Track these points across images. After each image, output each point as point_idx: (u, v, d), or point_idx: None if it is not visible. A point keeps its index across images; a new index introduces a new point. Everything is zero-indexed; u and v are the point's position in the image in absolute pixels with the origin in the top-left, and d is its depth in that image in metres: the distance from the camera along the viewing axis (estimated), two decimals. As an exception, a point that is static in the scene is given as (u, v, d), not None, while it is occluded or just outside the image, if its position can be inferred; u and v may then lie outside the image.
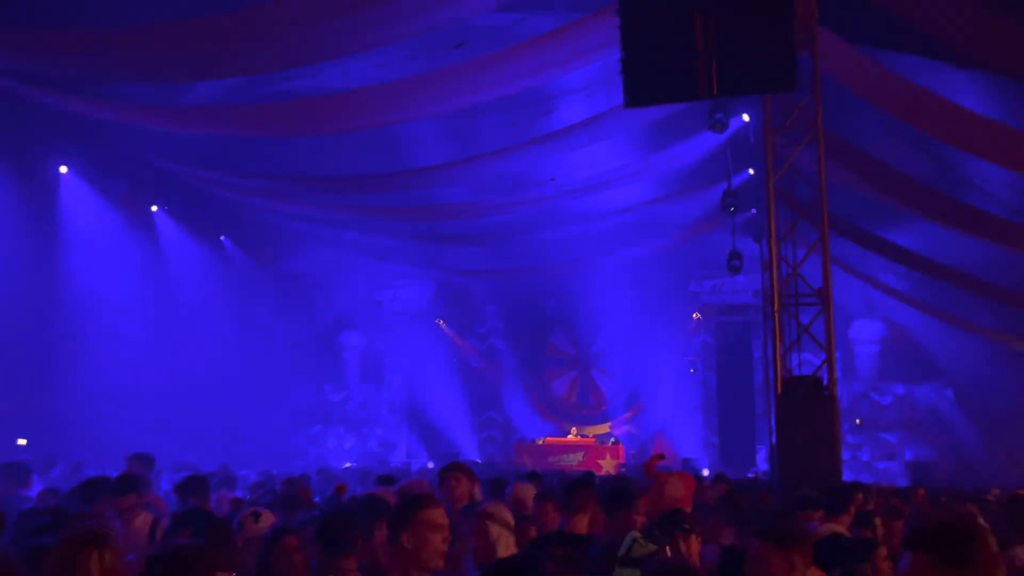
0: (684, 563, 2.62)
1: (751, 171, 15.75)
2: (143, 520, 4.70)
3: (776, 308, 9.43)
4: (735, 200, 15.51)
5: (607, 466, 19.37)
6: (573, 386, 23.74)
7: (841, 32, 10.33)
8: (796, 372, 9.50)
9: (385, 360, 24.57)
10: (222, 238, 19.66)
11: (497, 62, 11.02)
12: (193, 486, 5.28)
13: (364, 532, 3.62)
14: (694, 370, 22.16)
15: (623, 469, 18.50)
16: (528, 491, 5.37)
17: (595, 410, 23.36)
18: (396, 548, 3.09)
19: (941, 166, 14.88)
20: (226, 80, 13.17)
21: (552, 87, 13.87)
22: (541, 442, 20.79)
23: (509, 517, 3.95)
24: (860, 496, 6.33)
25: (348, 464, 20.33)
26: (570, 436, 21.04)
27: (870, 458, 20.78)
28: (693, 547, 3.67)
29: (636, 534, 3.69)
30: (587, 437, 21.19)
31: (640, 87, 7.68)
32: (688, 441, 21.97)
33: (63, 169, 14.87)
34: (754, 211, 16.69)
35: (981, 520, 5.61)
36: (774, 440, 9.97)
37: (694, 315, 22.58)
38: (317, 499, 6.67)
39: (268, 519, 4.27)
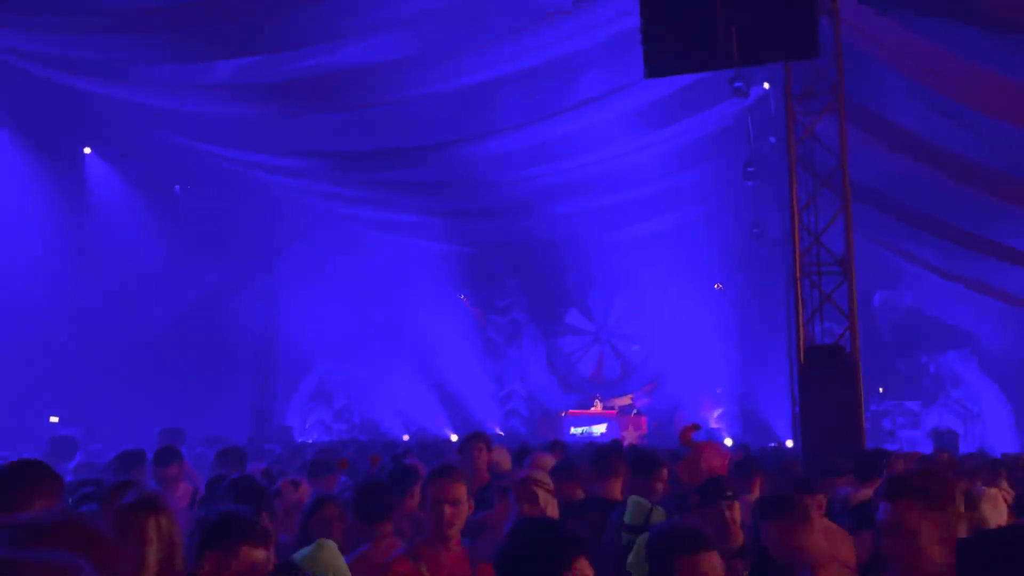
0: (694, 523, 2.68)
1: (772, 139, 15.64)
2: (184, 490, 4.84)
3: (797, 276, 9.42)
4: (756, 169, 15.44)
5: (629, 437, 19.47)
6: (595, 358, 23.81)
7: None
8: (819, 341, 9.49)
9: (406, 335, 24.71)
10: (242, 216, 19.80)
11: (516, 35, 11.00)
12: (232, 456, 5.43)
13: (398, 501, 3.72)
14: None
15: (645, 440, 18.60)
16: (548, 461, 5.44)
17: (617, 382, 23.44)
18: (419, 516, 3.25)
19: (967, 131, 14.70)
20: (243, 59, 13.22)
21: (571, 58, 13.79)
22: (564, 414, 20.93)
23: (551, 483, 4.05)
24: (901, 461, 6.38)
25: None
26: (594, 407, 21.16)
27: (893, 427, 20.73)
28: (736, 514, 3.72)
29: (640, 500, 3.76)
30: (610, 408, 21.30)
31: (660, 57, 7.65)
32: (710, 411, 22.01)
33: (87, 150, 15.00)
34: (776, 179, 16.59)
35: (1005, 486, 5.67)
36: (797, 409, 10.00)
37: (716, 285, 22.51)
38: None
39: (306, 488, 4.40)
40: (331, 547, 3.01)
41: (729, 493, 3.72)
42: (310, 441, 18.22)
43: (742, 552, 3.57)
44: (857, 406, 8.73)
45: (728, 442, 19.31)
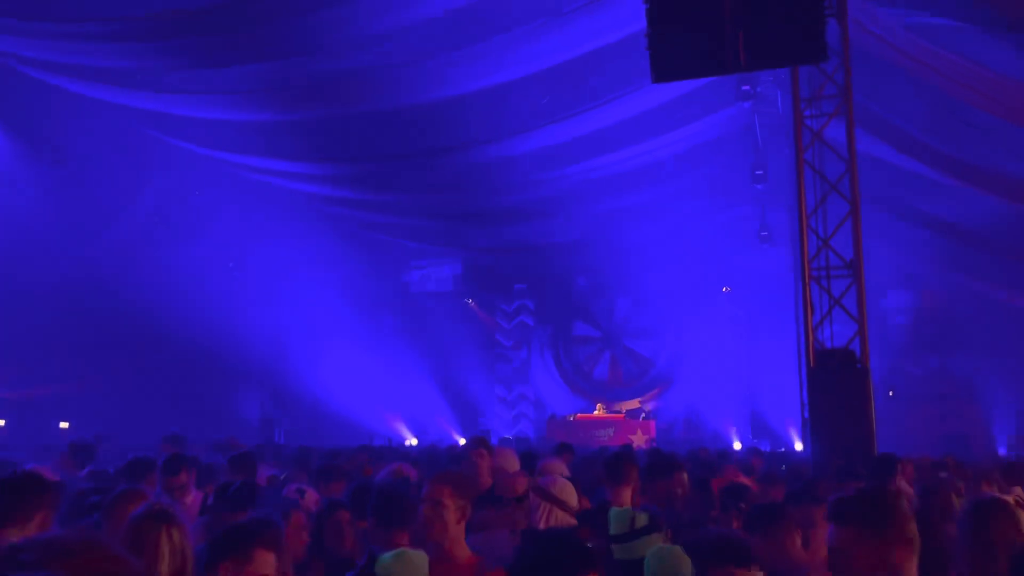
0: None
1: (781, 142, 15.60)
2: (193, 498, 4.84)
3: (806, 280, 9.39)
4: (764, 172, 15.41)
5: (638, 441, 19.41)
6: (603, 362, 23.78)
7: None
8: (828, 345, 9.45)
9: (415, 340, 24.73)
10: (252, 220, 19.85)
11: (527, 39, 11.00)
12: (244, 462, 5.42)
13: (415, 509, 3.72)
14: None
15: (654, 444, 18.55)
16: (558, 467, 5.40)
17: (625, 385, 23.41)
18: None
19: (975, 132, 14.64)
20: (256, 64, 13.24)
21: (580, 63, 13.79)
22: (572, 418, 20.90)
23: (555, 490, 4.04)
24: (910, 466, 6.34)
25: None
26: (596, 412, 21.13)
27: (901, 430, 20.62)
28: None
29: (619, 509, 3.74)
30: (617, 412, 21.25)
31: (667, 62, 7.64)
32: (719, 415, 21.96)
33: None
34: (784, 183, 16.55)
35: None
36: (807, 413, 9.96)
37: (724, 288, 22.47)
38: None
39: (312, 495, 4.40)
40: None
41: (742, 504, 3.71)
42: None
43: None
44: (868, 410, 8.68)
45: (737, 446, 19.27)
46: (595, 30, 11.16)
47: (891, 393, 20.89)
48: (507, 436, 20.73)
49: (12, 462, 7.40)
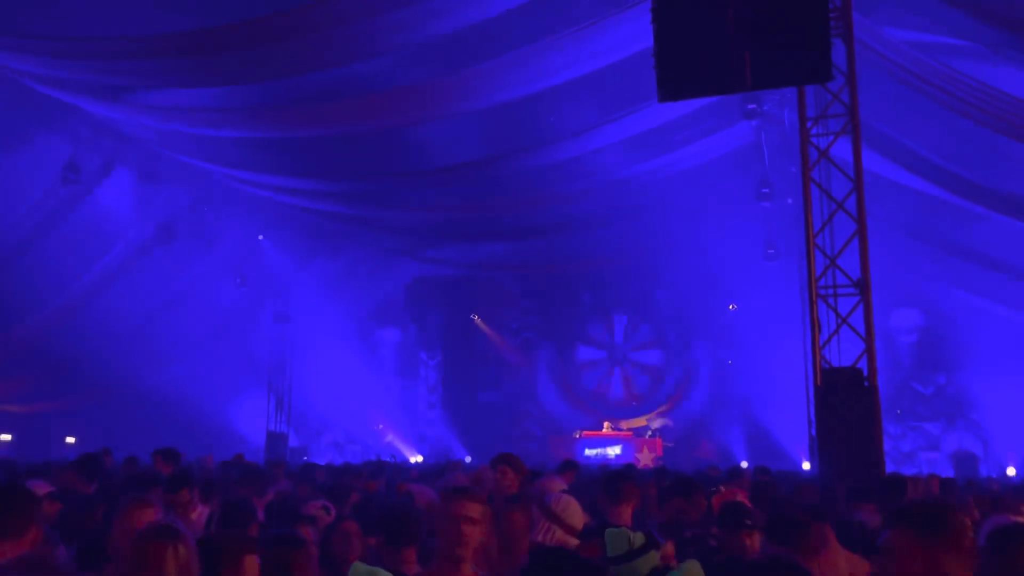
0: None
1: (787, 160, 15.63)
2: (199, 514, 4.83)
3: (813, 299, 9.37)
4: (771, 190, 15.43)
5: (644, 459, 19.37)
6: (609, 379, 23.74)
7: (874, 18, 10.23)
8: (836, 363, 9.42)
9: (421, 355, 24.76)
10: (260, 236, 19.93)
11: (532, 57, 11.06)
12: (252, 478, 5.43)
13: (424, 528, 3.71)
14: (730, 361, 21.97)
15: (660, 462, 18.48)
16: (557, 484, 5.36)
17: (631, 403, 23.35)
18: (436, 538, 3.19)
19: (981, 150, 14.66)
20: (268, 82, 13.35)
21: (585, 82, 13.86)
22: (578, 435, 20.84)
23: (555, 508, 4.00)
24: (920, 485, 6.31)
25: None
26: (603, 430, 21.07)
27: (912, 449, 20.52)
28: (756, 543, 3.69)
29: (613, 531, 3.72)
30: (622, 430, 21.19)
31: (674, 82, 7.68)
32: (727, 433, 21.89)
33: (106, 173, 15.12)
34: (790, 200, 16.57)
35: None
36: (814, 432, 9.91)
37: (730, 306, 22.44)
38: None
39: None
40: None
41: (748, 522, 3.69)
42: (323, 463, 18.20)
43: None
44: (876, 430, 8.64)
45: (743, 464, 19.17)
46: (602, 49, 11.22)
47: (899, 412, 20.80)
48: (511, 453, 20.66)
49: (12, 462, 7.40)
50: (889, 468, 11.92)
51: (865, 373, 8.89)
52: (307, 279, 21.22)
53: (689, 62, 7.60)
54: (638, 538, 3.60)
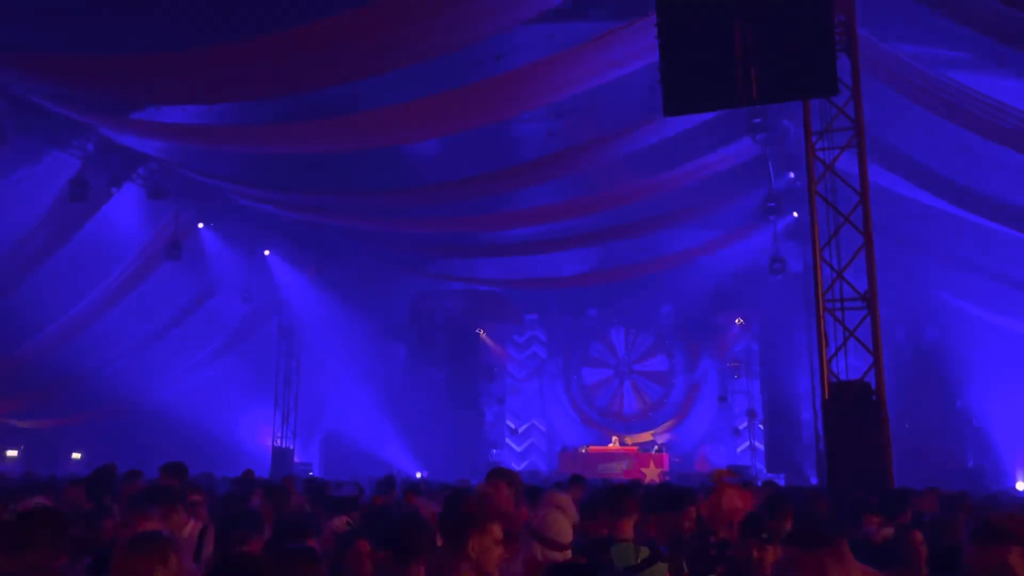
0: None
1: (792, 175, 15.64)
2: (191, 528, 4.83)
3: (820, 312, 9.35)
4: (777, 204, 15.43)
5: (651, 474, 19.28)
6: (615, 394, 23.67)
7: (879, 32, 10.26)
8: (843, 377, 9.39)
9: (427, 370, 24.73)
10: (266, 252, 19.98)
11: (534, 74, 11.10)
12: (273, 494, 5.45)
13: (434, 540, 3.69)
14: (737, 376, 21.91)
15: (667, 477, 18.40)
16: (562, 499, 5.31)
17: (637, 418, 23.28)
18: (458, 554, 3.16)
19: (985, 164, 14.66)
20: (270, 99, 13.43)
21: (589, 96, 13.90)
22: (584, 450, 20.77)
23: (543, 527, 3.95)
24: (926, 500, 6.28)
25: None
26: (611, 444, 20.99)
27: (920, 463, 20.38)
28: (769, 556, 3.67)
29: (620, 546, 3.69)
30: (630, 445, 21.11)
31: (679, 95, 7.70)
32: (732, 448, 21.81)
33: (113, 190, 15.17)
34: (796, 214, 16.56)
35: None
36: (822, 446, 9.87)
37: (737, 320, 22.41)
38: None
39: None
40: None
41: (764, 535, 3.67)
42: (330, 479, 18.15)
43: None
44: (884, 443, 8.60)
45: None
46: (604, 64, 11.25)
47: (907, 426, 20.69)
48: (518, 468, 20.59)
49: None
50: (897, 482, 11.84)
51: (873, 387, 8.86)
52: (313, 294, 21.25)
53: (695, 76, 7.62)
54: (643, 551, 3.59)
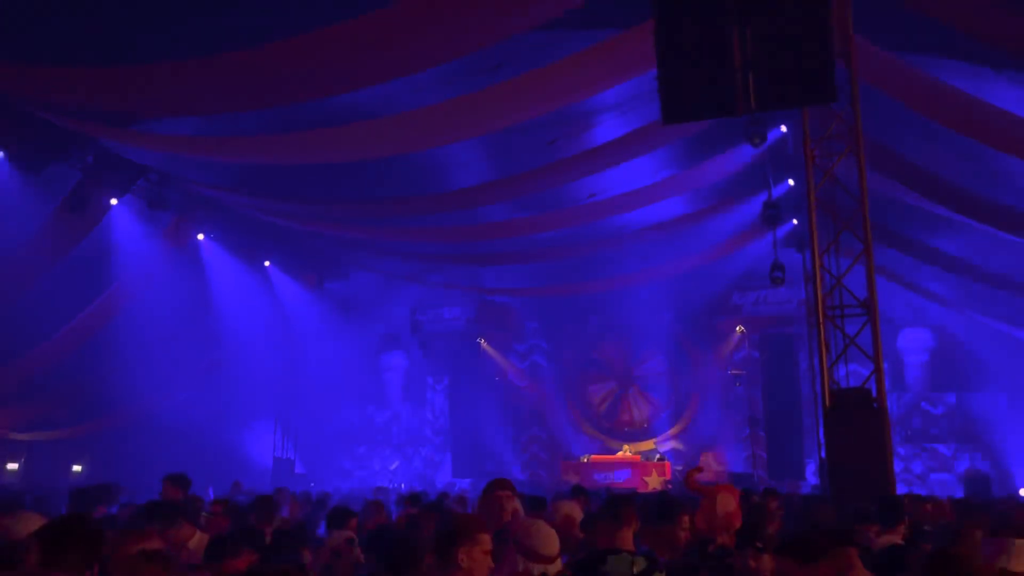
0: None
1: (791, 181, 15.65)
2: (199, 540, 4.81)
3: (821, 320, 9.34)
4: (776, 211, 15.43)
5: (653, 483, 19.22)
6: (617, 402, 23.61)
7: (877, 39, 10.27)
8: (844, 384, 9.38)
9: (428, 380, 24.72)
10: (266, 263, 19.99)
11: (534, 82, 11.11)
12: (259, 506, 5.43)
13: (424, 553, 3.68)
14: (738, 383, 21.89)
15: (669, 486, 18.35)
16: (570, 507, 5.27)
17: (640, 426, 23.22)
18: (449, 566, 3.16)
19: (984, 170, 14.66)
20: (267, 109, 13.45)
21: (589, 105, 13.93)
22: (586, 459, 20.71)
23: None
24: (928, 507, 6.29)
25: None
26: (621, 453, 20.92)
27: (923, 470, 20.36)
28: (765, 565, 3.65)
29: (617, 556, 3.65)
30: (632, 454, 21.05)
31: (677, 104, 7.69)
32: (735, 456, 21.76)
33: (113, 201, 15.20)
34: (795, 222, 16.56)
35: None
36: (824, 454, 9.85)
37: (738, 328, 22.38)
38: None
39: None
40: None
41: (759, 544, 3.66)
42: (330, 490, 18.14)
43: None
44: (885, 450, 8.59)
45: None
46: (603, 72, 11.26)
47: (908, 434, 20.66)
48: (520, 478, 20.54)
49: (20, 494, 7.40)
50: (901, 490, 11.83)
51: (874, 394, 8.86)
52: (313, 304, 21.25)
53: (692, 84, 7.61)
54: (640, 562, 3.57)
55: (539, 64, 11.11)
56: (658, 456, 20.67)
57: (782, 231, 16.75)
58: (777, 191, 15.75)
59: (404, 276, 21.70)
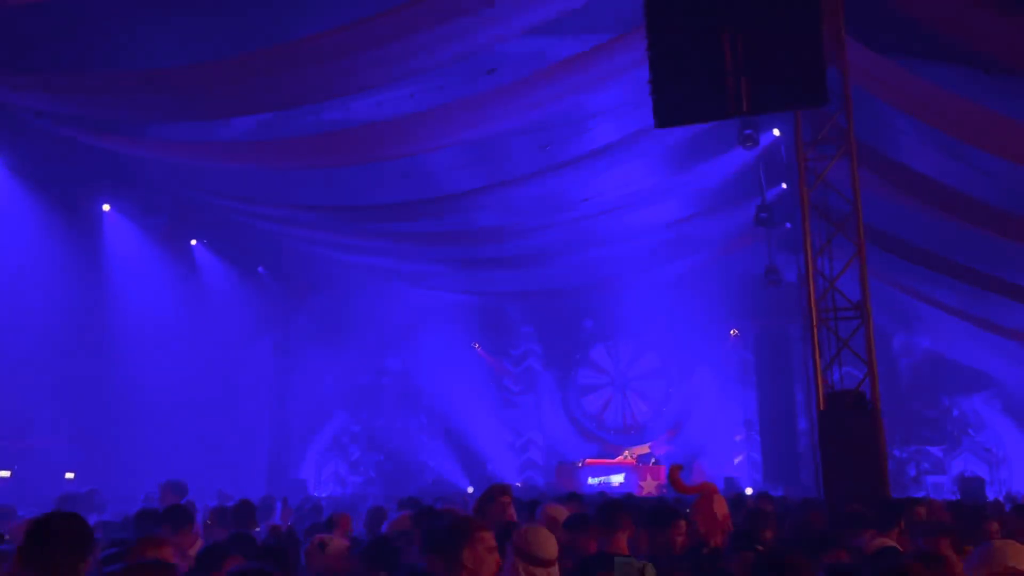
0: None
1: (784, 185, 15.68)
2: (197, 548, 4.80)
3: (814, 323, 9.35)
4: (769, 215, 15.45)
5: (648, 487, 19.23)
6: (612, 406, 23.62)
7: (869, 43, 10.30)
8: (838, 387, 9.38)
9: (422, 385, 24.65)
10: (260, 269, 19.95)
11: (527, 87, 11.12)
12: (243, 513, 5.40)
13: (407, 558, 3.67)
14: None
15: (664, 490, 18.34)
16: (559, 512, 5.29)
17: (635, 430, 23.22)
18: (454, 566, 3.14)
19: (977, 173, 14.70)
20: (260, 115, 13.44)
21: (582, 109, 13.94)
22: (581, 464, 20.69)
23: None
24: (923, 510, 6.29)
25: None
26: (621, 457, 20.90)
27: (917, 473, 20.39)
28: None
29: (625, 560, 3.64)
30: (628, 458, 21.03)
31: (670, 107, 7.70)
32: (729, 459, 21.76)
33: (106, 207, 15.17)
34: (789, 225, 16.58)
35: None
36: (818, 457, 9.84)
37: (732, 332, 22.40)
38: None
39: (339, 545, 4.40)
40: None
41: (759, 547, 3.66)
42: (324, 495, 18.08)
43: None
44: (880, 453, 8.58)
45: (748, 491, 19.03)
46: (595, 76, 11.28)
47: (902, 436, 20.69)
48: (515, 483, 20.51)
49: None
50: (896, 493, 11.84)
51: (868, 396, 8.86)
52: (307, 309, 21.22)
53: (685, 88, 7.63)
54: (650, 570, 3.55)
55: (532, 69, 11.13)
56: (653, 460, 20.67)
57: (776, 234, 16.78)
58: (770, 195, 15.77)
59: (397, 280, 21.65)
